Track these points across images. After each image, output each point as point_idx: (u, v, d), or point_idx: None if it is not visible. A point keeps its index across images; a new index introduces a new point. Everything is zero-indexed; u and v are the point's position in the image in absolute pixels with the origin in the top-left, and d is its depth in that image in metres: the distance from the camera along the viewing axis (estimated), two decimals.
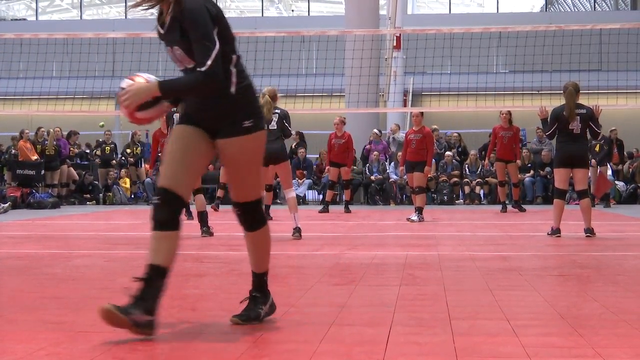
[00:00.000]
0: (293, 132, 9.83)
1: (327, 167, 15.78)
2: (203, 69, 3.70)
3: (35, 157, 17.96)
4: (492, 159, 15.87)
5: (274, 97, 9.25)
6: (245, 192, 4.00)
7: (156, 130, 13.08)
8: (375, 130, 18.77)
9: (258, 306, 4.06)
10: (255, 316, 4.02)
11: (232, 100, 3.86)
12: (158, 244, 3.76)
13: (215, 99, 3.85)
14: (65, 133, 19.45)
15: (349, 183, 15.37)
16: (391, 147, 18.81)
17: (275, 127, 9.18)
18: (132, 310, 3.63)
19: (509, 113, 14.84)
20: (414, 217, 12.22)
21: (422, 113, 13.00)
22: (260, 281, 4.13)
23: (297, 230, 8.94)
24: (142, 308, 3.64)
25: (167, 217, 3.76)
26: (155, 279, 3.72)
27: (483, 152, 18.66)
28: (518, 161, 16.18)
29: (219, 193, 14.82)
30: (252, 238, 4.08)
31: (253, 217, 4.04)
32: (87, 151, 20.74)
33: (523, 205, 15.26)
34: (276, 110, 9.24)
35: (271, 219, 12.55)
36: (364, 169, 18.34)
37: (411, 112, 13.17)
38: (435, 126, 12.89)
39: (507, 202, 15.02)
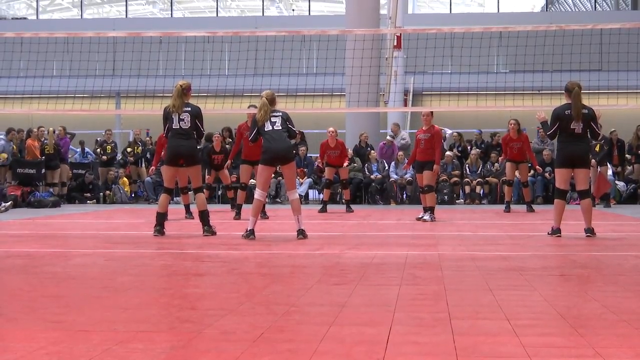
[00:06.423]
0: (297, 133, 9.72)
1: (318, 166, 15.87)
2: None
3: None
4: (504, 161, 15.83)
5: (271, 101, 9.20)
6: None
7: (162, 134, 13.17)
8: (389, 137, 18.86)
9: None
10: None
11: None
12: None
13: None
14: (68, 132, 19.47)
15: (347, 183, 15.39)
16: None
17: (281, 128, 9.11)
18: None
19: (517, 123, 14.67)
20: (426, 217, 12.01)
21: (432, 112, 12.45)
22: None
23: (301, 232, 8.83)
24: None
25: None
26: None
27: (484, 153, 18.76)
28: (538, 168, 16.13)
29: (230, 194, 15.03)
30: None
31: None
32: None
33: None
34: (278, 113, 9.20)
35: (267, 217, 12.57)
36: (364, 169, 18.33)
37: (422, 112, 12.88)
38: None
39: (511, 202, 15.00)
